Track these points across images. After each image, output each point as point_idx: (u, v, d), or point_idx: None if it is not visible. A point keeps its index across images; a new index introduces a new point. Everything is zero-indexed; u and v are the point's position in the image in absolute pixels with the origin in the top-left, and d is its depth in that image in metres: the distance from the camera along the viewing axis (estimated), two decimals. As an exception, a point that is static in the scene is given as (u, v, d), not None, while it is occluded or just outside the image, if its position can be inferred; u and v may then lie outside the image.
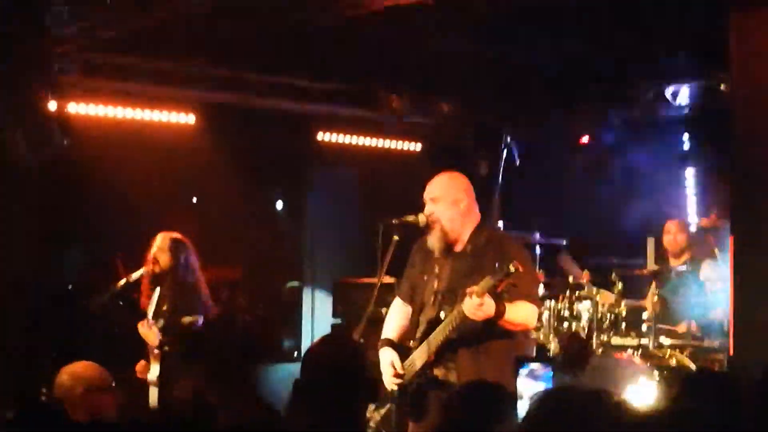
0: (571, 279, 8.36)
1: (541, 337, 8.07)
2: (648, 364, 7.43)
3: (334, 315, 9.58)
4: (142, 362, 7.04)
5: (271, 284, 10.46)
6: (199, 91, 8.93)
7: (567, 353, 7.13)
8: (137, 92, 8.71)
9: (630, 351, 7.85)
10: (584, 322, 8.09)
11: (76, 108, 8.30)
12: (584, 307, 8.14)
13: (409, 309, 5.66)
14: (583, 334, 7.89)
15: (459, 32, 7.40)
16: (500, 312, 5.11)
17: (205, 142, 9.12)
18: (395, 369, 5.43)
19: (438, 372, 5.37)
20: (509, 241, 5.60)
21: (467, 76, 8.60)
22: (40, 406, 4.18)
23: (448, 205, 5.48)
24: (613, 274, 8.13)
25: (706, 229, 8.49)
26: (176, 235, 7.06)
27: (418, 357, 5.41)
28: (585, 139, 10.24)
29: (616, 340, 8.04)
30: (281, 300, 10.53)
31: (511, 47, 7.64)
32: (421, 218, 5.52)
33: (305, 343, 9.88)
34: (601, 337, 7.95)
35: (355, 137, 10.24)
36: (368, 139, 10.33)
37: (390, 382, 5.44)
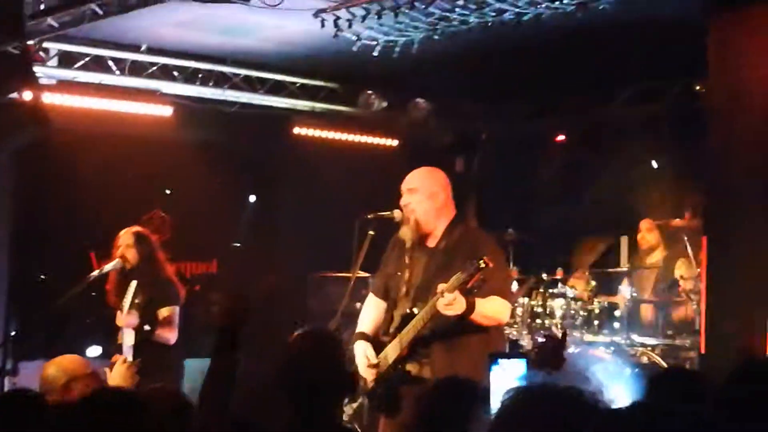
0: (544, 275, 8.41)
1: (515, 333, 8.11)
2: (620, 361, 7.48)
3: (308, 309, 9.57)
4: (117, 356, 7.01)
5: (244, 278, 10.42)
6: (175, 83, 8.91)
7: (542, 352, 7.14)
8: (113, 83, 8.67)
9: (602, 348, 7.90)
10: (557, 319, 8.14)
11: (51, 98, 8.23)
12: (557, 304, 8.19)
13: (383, 304, 5.67)
14: (557, 331, 7.93)
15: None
16: (471, 307, 5.13)
17: (180, 134, 9.09)
18: (369, 359, 5.44)
19: (411, 367, 5.38)
20: (482, 238, 5.61)
21: (444, 74, 8.61)
22: (15, 393, 4.17)
23: (425, 197, 5.50)
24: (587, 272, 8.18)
25: (680, 229, 8.55)
26: (138, 228, 7.07)
27: (391, 351, 5.41)
28: (561, 137, 10.28)
29: (588, 337, 8.10)
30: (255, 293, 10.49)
31: (491, 48, 7.65)
32: (397, 213, 5.54)
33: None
34: (574, 334, 8.01)
35: (331, 132, 10.23)
36: (344, 134, 10.33)
37: (365, 372, 5.45)
